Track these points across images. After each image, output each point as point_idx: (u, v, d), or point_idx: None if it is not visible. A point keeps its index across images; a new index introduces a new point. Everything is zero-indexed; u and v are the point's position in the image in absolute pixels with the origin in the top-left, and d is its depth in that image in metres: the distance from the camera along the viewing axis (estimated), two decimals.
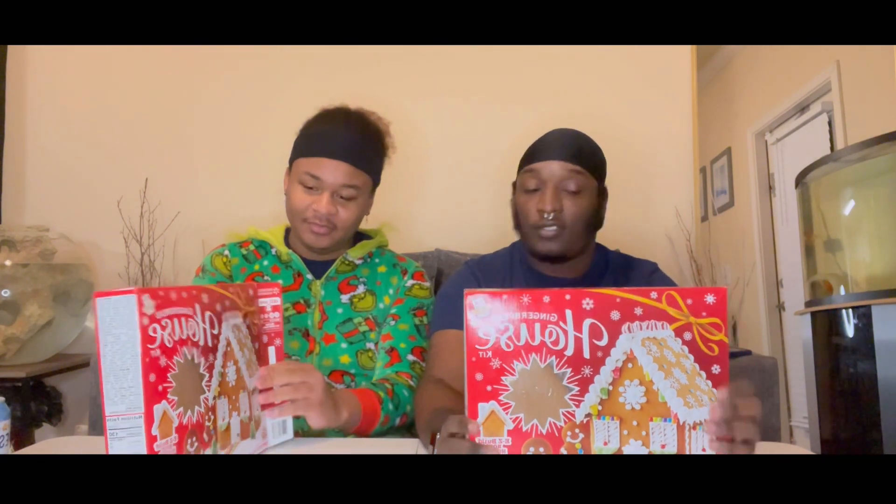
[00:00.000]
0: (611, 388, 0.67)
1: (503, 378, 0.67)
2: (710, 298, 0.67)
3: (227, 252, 1.20)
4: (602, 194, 1.13)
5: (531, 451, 0.68)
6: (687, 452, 0.68)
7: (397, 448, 0.92)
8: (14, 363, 1.80)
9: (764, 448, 0.90)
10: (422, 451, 0.89)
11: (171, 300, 0.69)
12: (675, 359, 0.67)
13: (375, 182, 1.18)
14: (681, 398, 0.67)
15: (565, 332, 0.67)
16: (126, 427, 0.64)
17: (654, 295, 0.67)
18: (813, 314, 1.82)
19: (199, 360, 0.72)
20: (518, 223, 1.13)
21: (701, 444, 0.68)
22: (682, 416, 0.67)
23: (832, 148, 2.29)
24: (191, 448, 0.70)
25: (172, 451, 0.67)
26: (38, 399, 1.87)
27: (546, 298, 0.67)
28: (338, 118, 1.14)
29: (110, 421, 0.64)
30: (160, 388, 0.66)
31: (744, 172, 2.65)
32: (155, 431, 0.65)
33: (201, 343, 0.72)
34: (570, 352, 0.67)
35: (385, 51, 1.98)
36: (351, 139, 1.10)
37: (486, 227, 1.94)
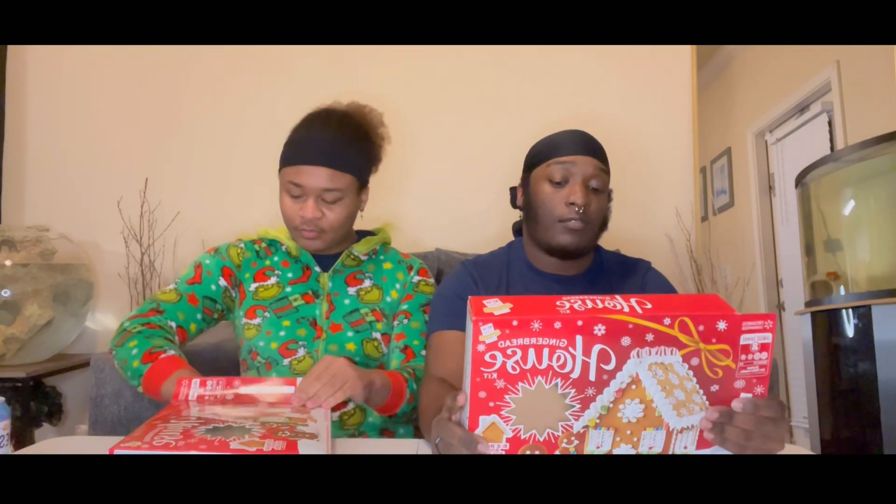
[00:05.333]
0: (611, 405, 0.67)
1: (506, 396, 0.66)
2: (721, 325, 0.66)
3: (242, 245, 1.24)
4: (610, 196, 1.15)
5: (527, 454, 0.68)
6: (670, 452, 0.69)
7: (397, 448, 0.92)
8: (14, 363, 1.80)
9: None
10: (422, 450, 0.89)
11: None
12: (678, 381, 0.67)
13: (362, 181, 1.18)
14: (675, 411, 0.68)
15: (573, 356, 0.65)
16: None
17: (667, 321, 0.65)
18: (813, 314, 1.82)
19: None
20: (533, 216, 1.10)
21: (683, 444, 0.69)
22: (672, 425, 0.68)
23: (832, 148, 2.28)
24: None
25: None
26: (38, 399, 1.87)
27: (557, 324, 0.64)
28: (317, 123, 1.14)
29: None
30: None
31: (744, 172, 2.64)
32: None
33: (574, 375, 0.67)
34: (576, 374, 0.66)
35: (387, 51, 1.99)
36: (329, 143, 1.11)
37: (486, 227, 1.94)
